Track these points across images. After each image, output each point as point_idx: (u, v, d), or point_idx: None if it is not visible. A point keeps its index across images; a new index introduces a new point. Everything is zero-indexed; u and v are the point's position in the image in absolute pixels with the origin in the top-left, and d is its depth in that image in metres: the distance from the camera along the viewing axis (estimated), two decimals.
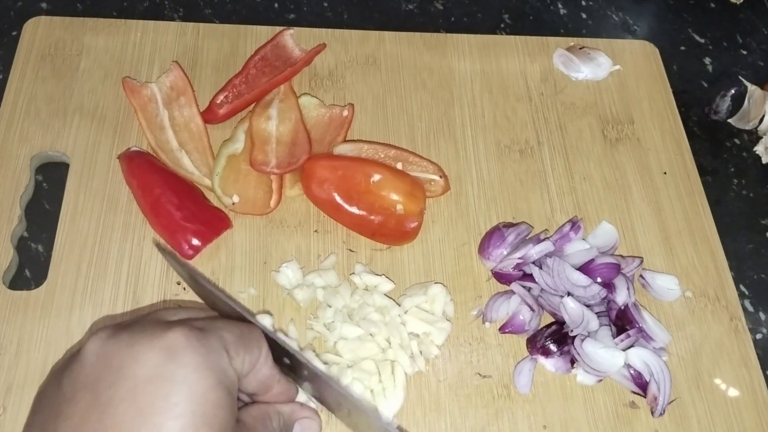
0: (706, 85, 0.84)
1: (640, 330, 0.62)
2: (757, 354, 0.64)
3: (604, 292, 0.63)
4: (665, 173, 0.74)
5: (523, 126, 0.76)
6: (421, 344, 0.60)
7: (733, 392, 0.62)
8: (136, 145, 0.69)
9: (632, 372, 0.60)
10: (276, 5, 0.85)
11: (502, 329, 0.63)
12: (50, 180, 0.69)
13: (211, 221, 0.65)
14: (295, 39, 0.77)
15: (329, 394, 0.47)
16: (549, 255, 0.64)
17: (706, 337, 0.64)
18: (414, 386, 0.60)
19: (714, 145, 0.79)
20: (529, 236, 0.67)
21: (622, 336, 0.61)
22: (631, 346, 0.61)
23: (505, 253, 0.65)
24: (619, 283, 0.64)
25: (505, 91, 0.78)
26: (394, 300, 0.62)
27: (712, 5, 0.91)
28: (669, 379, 0.60)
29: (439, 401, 0.59)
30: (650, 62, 0.82)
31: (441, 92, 0.77)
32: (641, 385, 0.60)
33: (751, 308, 0.69)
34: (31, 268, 0.64)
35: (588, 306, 0.62)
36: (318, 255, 0.66)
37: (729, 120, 0.81)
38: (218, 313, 0.46)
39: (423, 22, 0.85)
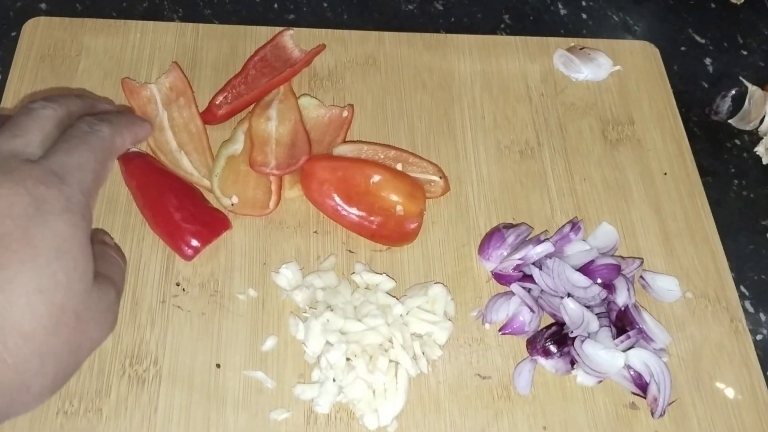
0: (706, 85, 0.84)
1: (641, 331, 0.62)
2: (758, 355, 0.64)
3: (604, 293, 0.63)
4: (665, 174, 0.74)
5: (524, 127, 0.76)
6: (424, 345, 0.60)
7: (733, 393, 0.62)
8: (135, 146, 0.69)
9: (632, 373, 0.60)
10: (276, 5, 0.85)
11: (502, 330, 0.63)
12: None
13: (211, 222, 0.65)
14: (294, 39, 0.77)
15: None
16: (549, 256, 0.64)
17: (707, 338, 0.64)
18: (414, 387, 0.59)
19: (714, 146, 0.79)
20: (529, 237, 0.67)
21: (623, 337, 0.61)
22: (631, 347, 0.61)
23: (505, 254, 0.65)
24: (620, 284, 0.63)
25: (506, 92, 0.78)
26: (396, 298, 0.62)
27: (713, 5, 0.91)
28: (669, 380, 0.60)
29: (439, 402, 0.59)
30: (650, 63, 0.82)
31: (441, 93, 0.77)
32: (641, 386, 0.60)
33: (751, 309, 0.68)
34: None
35: (588, 307, 0.62)
36: (317, 256, 0.66)
37: (729, 121, 0.80)
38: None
39: (423, 22, 0.85)
